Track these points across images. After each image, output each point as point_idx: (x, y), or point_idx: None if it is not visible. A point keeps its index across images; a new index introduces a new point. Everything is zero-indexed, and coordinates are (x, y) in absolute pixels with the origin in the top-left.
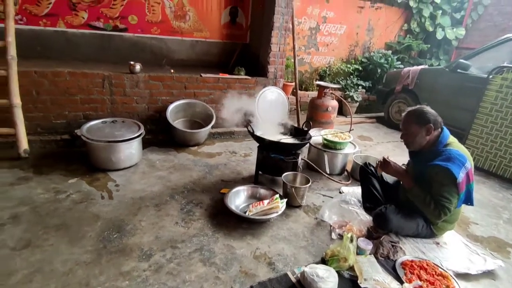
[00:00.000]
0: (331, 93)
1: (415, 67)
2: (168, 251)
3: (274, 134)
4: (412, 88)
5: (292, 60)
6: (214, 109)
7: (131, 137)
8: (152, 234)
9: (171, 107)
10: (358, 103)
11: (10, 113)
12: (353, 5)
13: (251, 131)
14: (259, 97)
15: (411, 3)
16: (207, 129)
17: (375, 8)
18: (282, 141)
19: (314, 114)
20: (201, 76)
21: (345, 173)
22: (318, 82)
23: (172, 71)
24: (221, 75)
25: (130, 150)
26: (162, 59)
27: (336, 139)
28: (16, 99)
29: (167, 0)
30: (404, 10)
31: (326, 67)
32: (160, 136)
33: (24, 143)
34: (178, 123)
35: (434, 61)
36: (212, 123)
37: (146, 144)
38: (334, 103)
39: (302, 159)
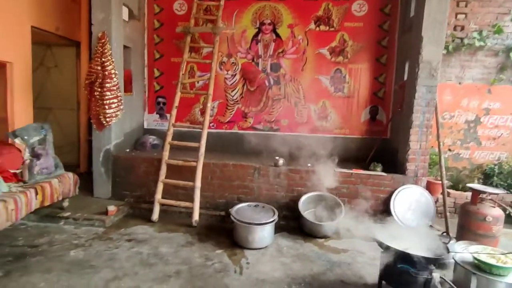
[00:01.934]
0: (490, 199)
1: None
2: None
3: (407, 239)
4: None
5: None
6: (345, 204)
7: (265, 221)
8: None
9: (303, 197)
10: None
11: (192, 192)
12: None
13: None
14: (396, 196)
15: None
16: (335, 223)
17: None
18: (408, 251)
19: (466, 223)
20: (334, 171)
21: None
22: (470, 185)
23: (309, 165)
24: (354, 171)
25: (263, 233)
26: (304, 151)
27: (492, 261)
28: (198, 183)
29: (313, 105)
30: None
31: (494, 165)
32: (292, 223)
33: (196, 215)
34: (308, 213)
35: None
36: (341, 217)
37: (279, 229)
38: (497, 212)
39: (441, 277)
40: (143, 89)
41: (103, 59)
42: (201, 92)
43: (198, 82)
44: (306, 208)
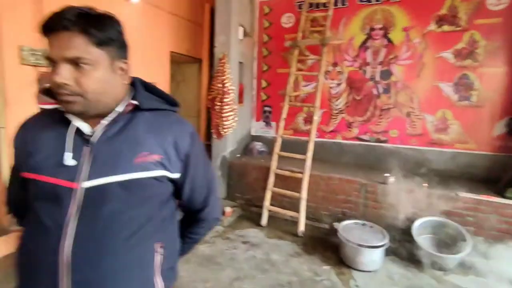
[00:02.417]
0: None
1: None
2: None
3: None
4: None
5: None
6: (471, 234)
7: (375, 245)
8: None
9: (418, 221)
10: None
11: (297, 202)
12: None
13: None
14: None
15: None
16: (458, 257)
17: None
18: None
19: None
20: (456, 195)
21: None
22: None
23: (425, 184)
24: (482, 197)
25: (372, 256)
26: (417, 167)
27: None
28: (304, 194)
29: (429, 115)
30: None
31: None
32: (403, 246)
33: (302, 226)
34: (423, 239)
35: None
36: (466, 252)
37: (388, 252)
38: None
39: None
40: (252, 99)
41: (223, 78)
42: (307, 105)
43: (303, 92)
44: (421, 233)
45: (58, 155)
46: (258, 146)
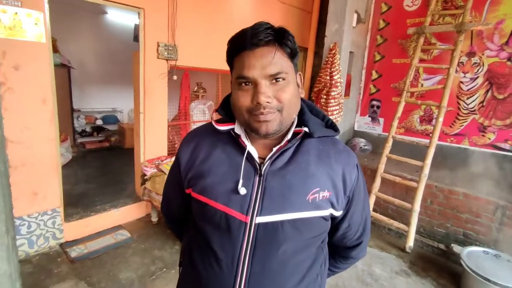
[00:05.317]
0: None
1: None
2: None
3: None
4: None
5: None
6: None
7: None
8: None
9: None
10: None
11: (407, 213)
12: None
13: None
14: None
15: None
16: None
17: None
18: None
19: None
20: None
21: None
22: None
23: None
24: None
25: None
26: None
27: None
28: (417, 206)
29: None
30: None
31: None
32: None
33: (410, 241)
34: None
35: None
36: None
37: None
38: None
39: None
40: (358, 91)
41: (331, 69)
42: (432, 103)
43: (422, 85)
44: None
45: (230, 182)
46: (362, 143)
